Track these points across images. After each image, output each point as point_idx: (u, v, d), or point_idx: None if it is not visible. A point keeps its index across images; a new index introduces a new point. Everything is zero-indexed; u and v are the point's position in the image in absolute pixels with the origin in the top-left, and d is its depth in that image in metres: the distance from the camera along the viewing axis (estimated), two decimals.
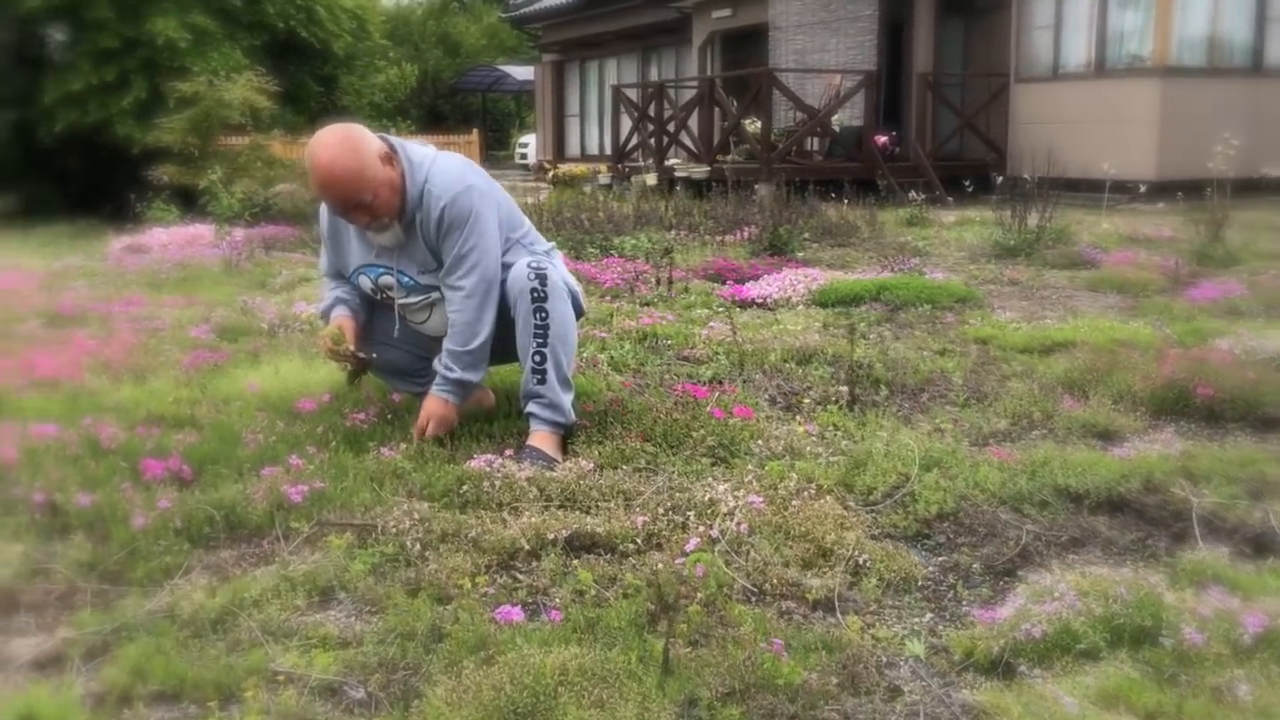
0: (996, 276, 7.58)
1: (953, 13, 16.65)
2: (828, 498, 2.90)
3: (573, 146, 26.13)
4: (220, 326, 5.21)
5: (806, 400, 4.07)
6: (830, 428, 3.63)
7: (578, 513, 2.78)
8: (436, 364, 3.34)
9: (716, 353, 4.72)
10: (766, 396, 4.11)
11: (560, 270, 3.40)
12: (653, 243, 8.68)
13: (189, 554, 2.60)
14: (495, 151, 31.96)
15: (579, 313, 3.48)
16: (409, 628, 2.17)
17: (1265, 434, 3.60)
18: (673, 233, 9.57)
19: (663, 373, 4.43)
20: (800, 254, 8.74)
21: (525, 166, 30.33)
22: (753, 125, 15.55)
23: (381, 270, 3.47)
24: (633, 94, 19.08)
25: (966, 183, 12.84)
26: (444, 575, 2.42)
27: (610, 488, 2.93)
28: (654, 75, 23.09)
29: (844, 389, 4.09)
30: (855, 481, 3.06)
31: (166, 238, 9.29)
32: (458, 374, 3.30)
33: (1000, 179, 14.15)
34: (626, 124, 18.53)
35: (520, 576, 2.49)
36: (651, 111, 17.42)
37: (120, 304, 5.97)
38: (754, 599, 2.38)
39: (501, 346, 3.55)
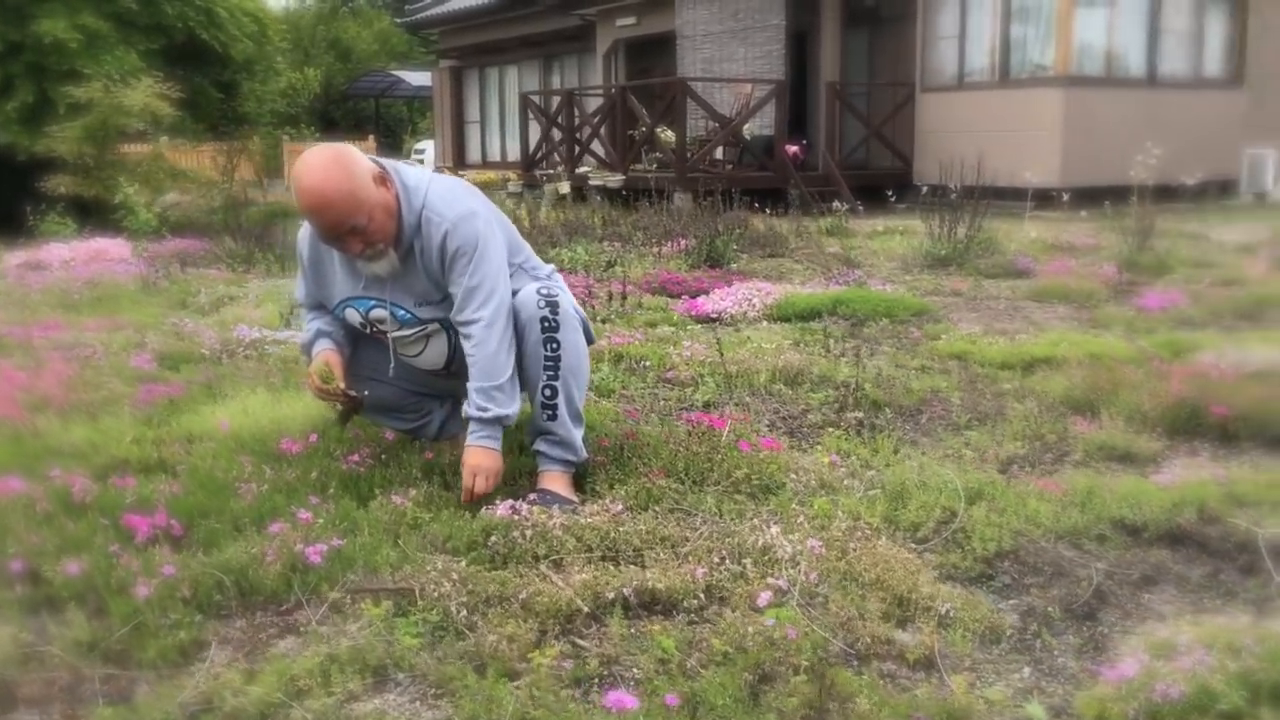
0: (938, 287, 7.55)
1: (857, 23, 16.78)
2: (883, 538, 2.73)
3: (473, 153, 25.73)
4: (159, 354, 4.83)
5: (807, 425, 3.91)
6: (846, 455, 3.47)
7: (626, 565, 2.56)
8: (467, 409, 3.00)
9: (701, 374, 4.53)
10: (766, 421, 3.93)
11: (569, 297, 3.16)
12: (590, 255, 8.46)
13: (201, 627, 2.31)
14: (388, 157, 31.31)
15: (589, 341, 3.25)
16: (491, 717, 1.92)
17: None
18: (604, 244, 9.36)
19: (650, 397, 4.23)
20: (735, 265, 8.63)
21: None
22: (664, 133, 15.43)
23: (373, 303, 3.19)
24: (540, 100, 18.84)
25: (890, 193, 12.90)
26: (504, 646, 2.17)
27: (650, 533, 2.71)
28: (556, 83, 22.87)
29: (855, 415, 3.94)
30: (899, 517, 2.90)
31: (68, 253, 8.75)
32: (494, 411, 2.96)
33: (924, 188, 14.23)
34: (536, 131, 18.27)
35: (585, 644, 2.26)
36: (562, 119, 17.18)
37: (38, 328, 5.53)
38: (851, 661, 2.19)
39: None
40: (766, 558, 2.58)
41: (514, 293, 3.12)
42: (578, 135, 17.02)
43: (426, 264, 3.06)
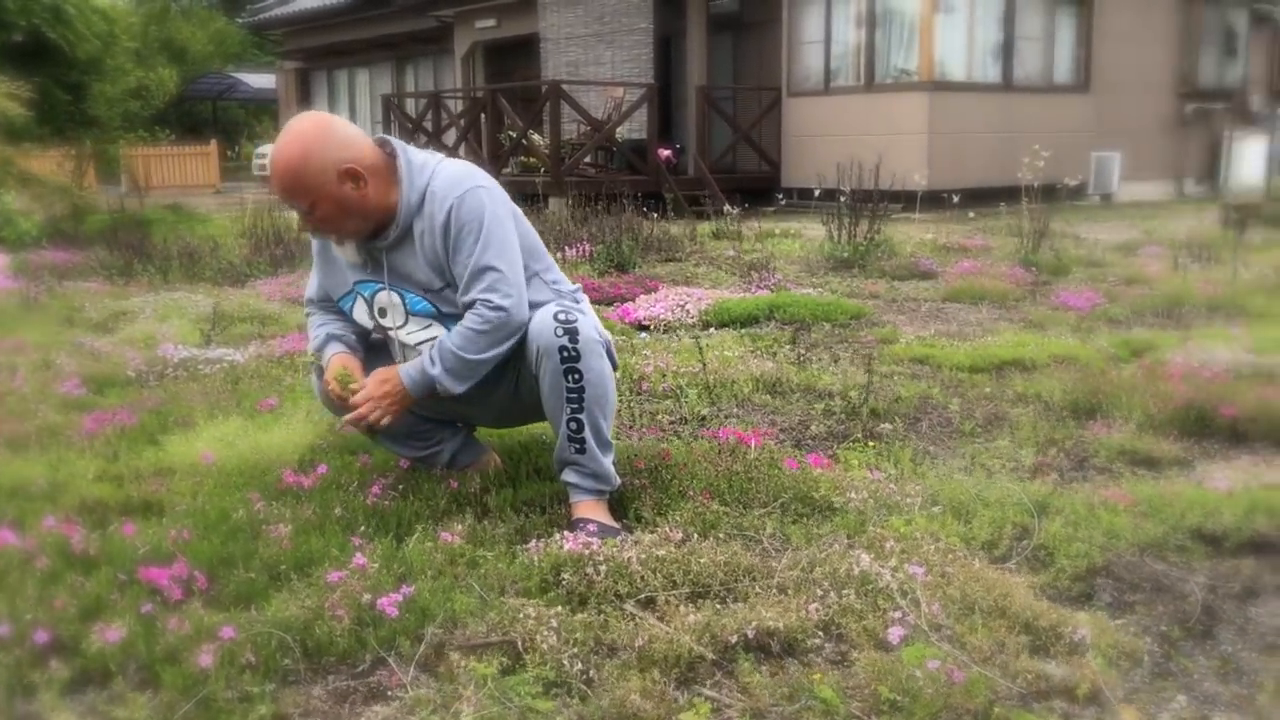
0: (854, 290, 7.53)
1: (722, 27, 16.84)
2: (976, 561, 2.59)
3: None
4: (83, 378, 4.37)
5: (811, 437, 3.77)
6: (875, 469, 3.33)
7: (726, 603, 2.35)
8: (425, 348, 2.83)
9: (680, 385, 4.33)
10: (772, 438, 3.77)
11: (591, 319, 2.90)
12: None
13: (277, 698, 2.00)
14: (227, 162, 30.02)
15: (613, 365, 3.00)
16: None
17: None
18: None
19: (640, 412, 4.02)
20: (639, 270, 8.47)
21: (265, 178, 28.64)
22: (535, 137, 15.17)
23: (379, 286, 2.91)
24: (399, 102, 18.31)
25: (779, 195, 12.94)
26: (646, 706, 1.94)
27: (730, 564, 2.51)
28: (411, 85, 22.31)
29: (857, 425, 3.81)
30: (973, 535, 2.76)
31: None
32: (438, 371, 2.76)
33: (795, 192, 14.35)
34: (396, 135, 17.72)
35: (724, 696, 2.04)
36: (427, 123, 16.73)
37: None
38: (1022, 701, 2.03)
39: (519, 406, 3.06)
40: (869, 588, 2.40)
41: (533, 307, 2.87)
42: (443, 139, 16.60)
43: (430, 245, 2.81)
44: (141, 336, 5.33)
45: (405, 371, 2.80)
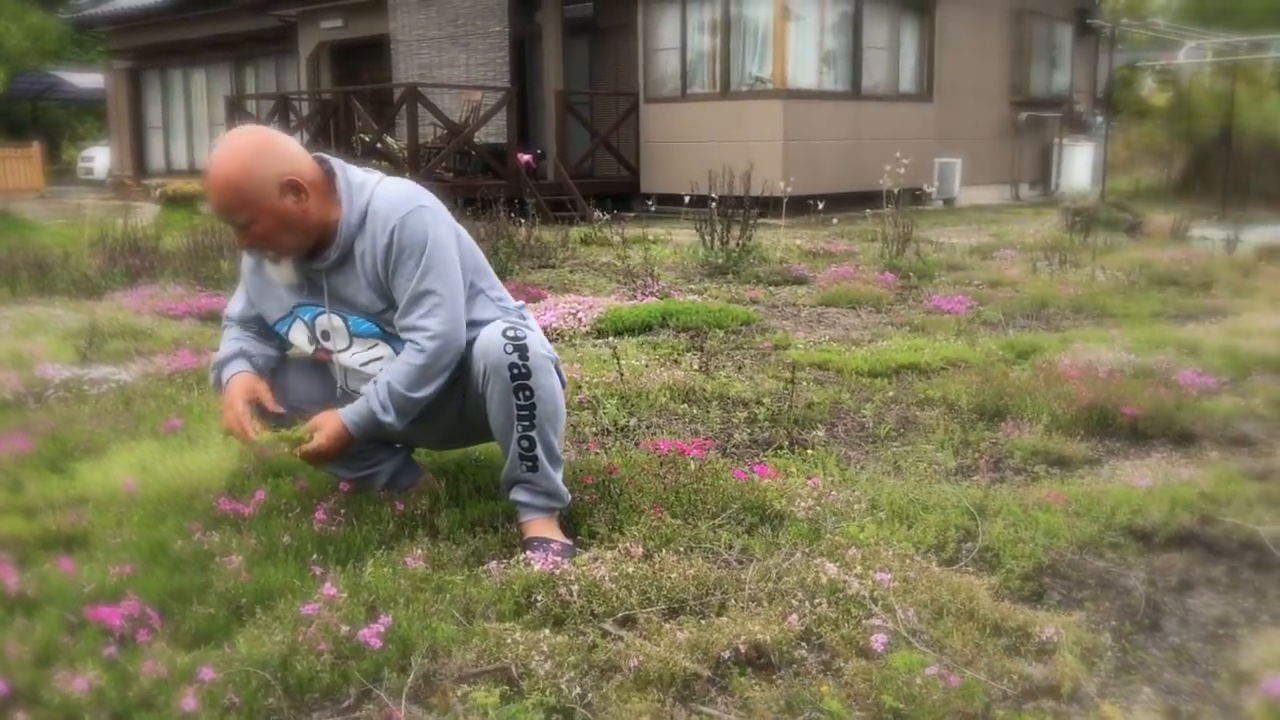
0: (736, 295, 7.62)
1: (578, 31, 16.84)
2: (930, 564, 2.65)
3: (156, 160, 23.91)
4: None
5: (735, 445, 3.80)
6: (814, 476, 3.38)
7: (703, 616, 2.35)
8: (366, 388, 2.75)
9: (596, 395, 4.31)
10: (703, 448, 3.78)
11: (539, 336, 2.87)
12: None
13: None
14: (53, 166, 28.53)
15: (561, 382, 2.96)
16: None
17: (1188, 448, 3.76)
18: None
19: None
20: (515, 277, 8.40)
21: (92, 182, 27.39)
22: (390, 140, 14.89)
23: (319, 309, 2.82)
24: (242, 104, 17.73)
25: (649, 201, 12.98)
26: None
27: (698, 578, 2.50)
28: (251, 87, 21.62)
29: (776, 432, 3.86)
30: (920, 539, 2.83)
31: None
32: (391, 418, 2.71)
33: (653, 198, 14.43)
34: None
35: (729, 712, 2.04)
36: (275, 126, 16.20)
37: None
38: (1016, 703, 2.08)
39: (464, 428, 3.00)
40: (839, 596, 2.43)
41: (478, 324, 2.82)
42: None
43: (371, 267, 2.74)
44: (7, 355, 5.02)
45: (350, 419, 2.71)
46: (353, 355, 2.83)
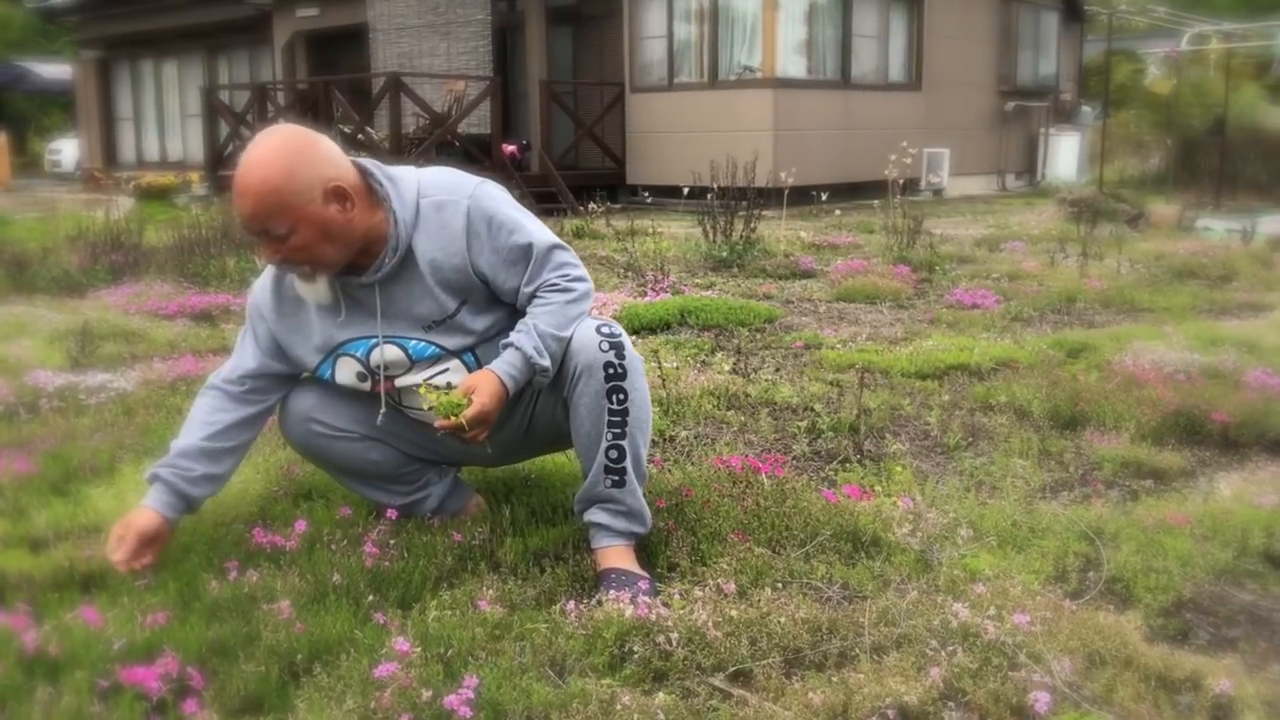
0: (748, 290, 7.33)
1: (561, 20, 16.49)
2: (1063, 600, 2.37)
3: (127, 153, 23.34)
4: None
5: (797, 457, 3.50)
6: (907, 496, 3.09)
7: (824, 671, 2.05)
8: (514, 337, 2.42)
9: None
10: (753, 453, 3.49)
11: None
12: None
13: None
14: (17, 158, 27.79)
15: None
16: None
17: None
18: None
19: None
20: None
21: (61, 175, 26.75)
22: (370, 131, 14.50)
23: (371, 341, 2.50)
24: (219, 94, 17.28)
25: (645, 194, 12.68)
26: None
27: (809, 623, 2.21)
28: (225, 78, 21.13)
29: (840, 442, 3.57)
30: (1037, 568, 2.55)
31: None
32: (541, 359, 2.40)
33: (640, 188, 14.14)
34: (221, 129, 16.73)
35: None
36: (253, 116, 15.80)
37: None
38: None
39: (530, 440, 2.71)
40: (976, 643, 2.14)
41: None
42: None
43: (440, 263, 2.43)
44: None
45: (504, 370, 2.39)
46: (414, 376, 2.52)
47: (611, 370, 2.45)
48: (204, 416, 2.54)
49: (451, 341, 2.51)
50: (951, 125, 17.38)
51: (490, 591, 2.29)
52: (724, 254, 8.68)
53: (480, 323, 2.52)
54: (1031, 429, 3.73)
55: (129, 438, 3.44)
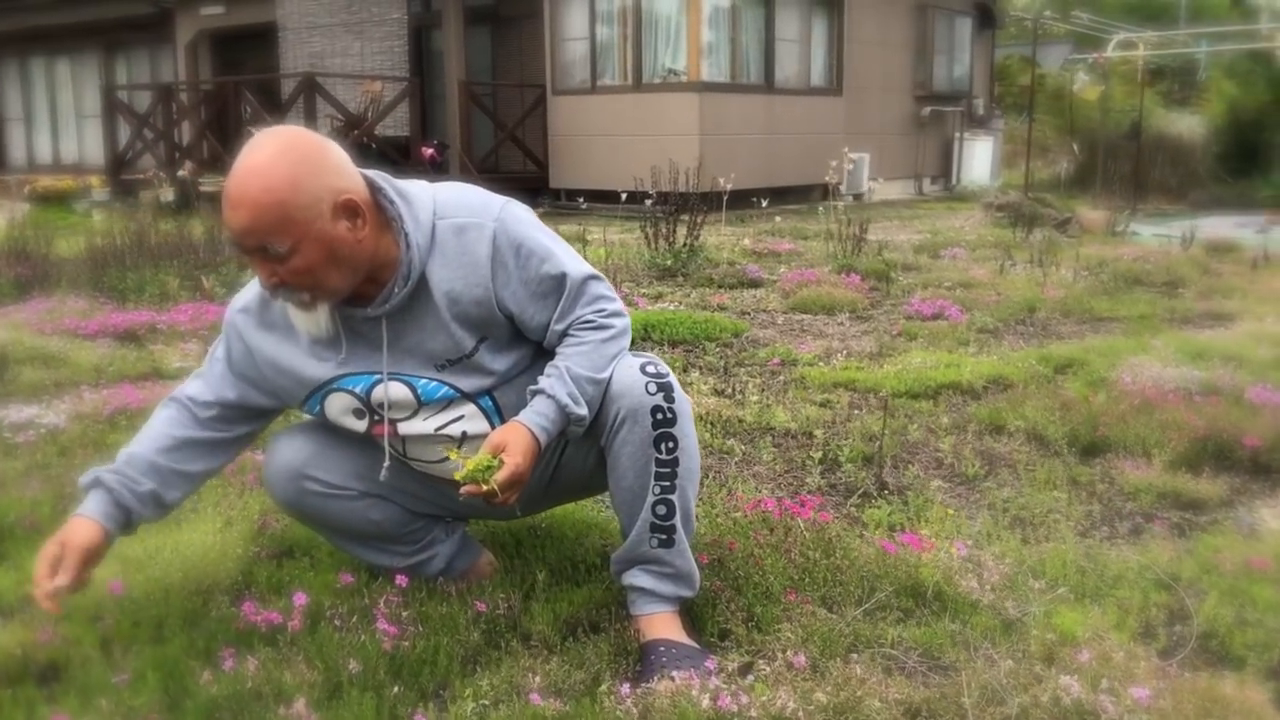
0: (701, 301, 7.07)
1: (479, 20, 16.07)
2: (1165, 664, 2.14)
3: (16, 156, 22.24)
4: None
5: (810, 490, 3.25)
6: (960, 540, 2.84)
7: None
8: (545, 383, 2.11)
9: None
10: (766, 489, 3.23)
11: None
12: None
13: None
14: None
15: None
16: None
17: None
18: None
19: None
20: None
21: None
22: None
23: (374, 377, 2.17)
24: (126, 95, 16.50)
25: (580, 198, 12.34)
26: None
27: (905, 704, 1.94)
28: (124, 77, 20.25)
29: (854, 474, 3.32)
30: (1119, 621, 2.32)
31: None
32: (577, 408, 2.10)
33: (563, 193, 13.83)
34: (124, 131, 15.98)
35: None
36: (158, 118, 15.10)
37: None
38: None
39: (553, 491, 2.42)
40: None
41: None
42: (175, 136, 15.05)
43: (458, 294, 2.11)
44: None
45: (535, 423, 2.08)
46: (423, 421, 2.19)
47: (660, 415, 2.15)
48: (162, 428, 2.20)
49: (467, 383, 2.19)
50: (871, 130, 17.39)
51: (536, 678, 1.98)
52: (668, 262, 8.41)
53: (501, 363, 2.21)
54: (1052, 456, 3.53)
55: (68, 485, 3.03)
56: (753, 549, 2.50)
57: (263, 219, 1.93)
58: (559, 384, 2.11)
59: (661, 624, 2.21)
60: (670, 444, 2.17)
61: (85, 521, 2.06)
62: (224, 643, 2.05)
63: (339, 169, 2.01)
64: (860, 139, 16.93)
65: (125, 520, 2.12)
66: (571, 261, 2.20)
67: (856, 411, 4.12)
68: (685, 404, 2.22)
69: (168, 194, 13.91)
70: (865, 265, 8.31)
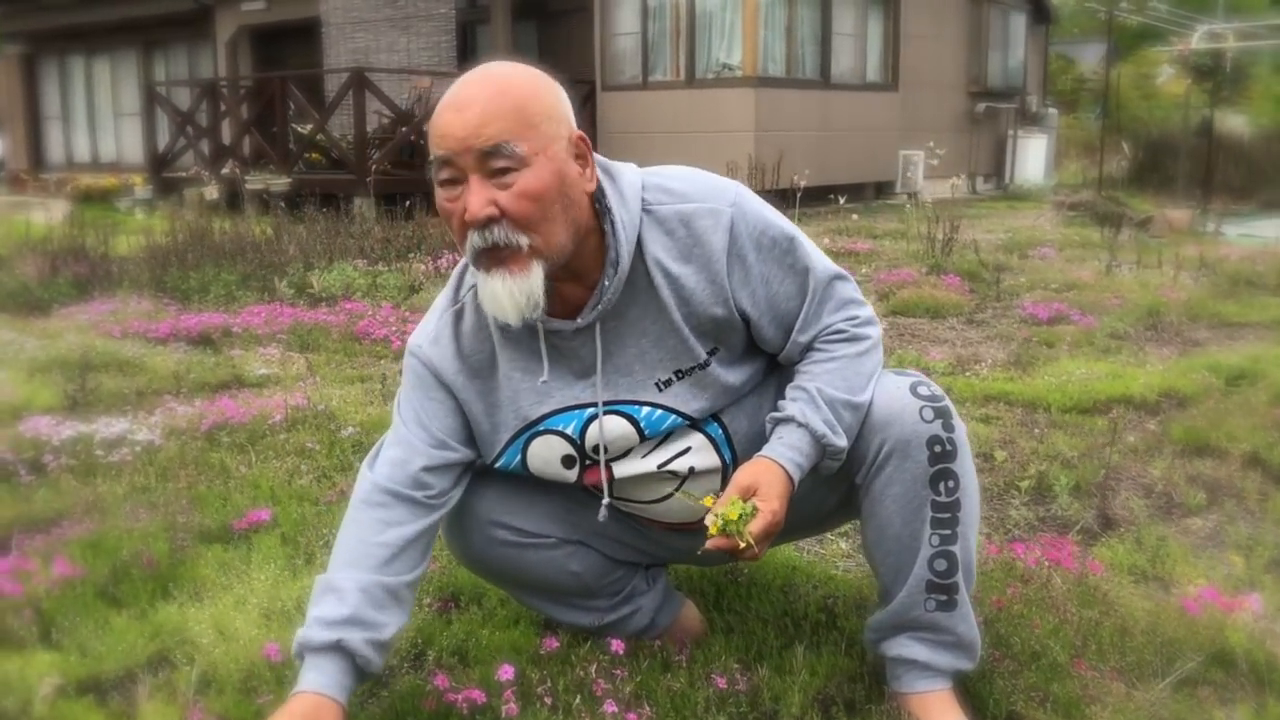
0: None
1: (527, 14, 15.72)
2: None
3: (55, 154, 22.02)
4: None
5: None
6: (1245, 590, 2.42)
7: None
8: (794, 409, 1.72)
9: None
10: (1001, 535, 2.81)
11: None
12: (361, 276, 6.81)
13: None
14: None
15: None
16: None
17: None
18: (360, 261, 7.64)
19: None
20: None
21: None
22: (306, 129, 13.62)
23: (589, 413, 1.76)
24: (166, 91, 16.21)
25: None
26: None
27: None
28: (162, 75, 19.97)
29: (1052, 509, 2.90)
30: None
31: None
32: (836, 438, 1.71)
33: None
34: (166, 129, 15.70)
35: None
36: (201, 115, 14.81)
37: None
38: None
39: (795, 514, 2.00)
40: None
41: None
42: (219, 134, 14.74)
43: (686, 289, 1.71)
44: None
45: (788, 458, 1.69)
46: (643, 459, 1.79)
47: (939, 448, 1.74)
48: (377, 536, 1.72)
49: (693, 404, 1.77)
50: (926, 126, 16.91)
51: None
52: None
53: (735, 376, 1.80)
54: (1272, 480, 3.10)
55: (179, 512, 2.64)
56: (1012, 605, 2.09)
57: (501, 114, 1.56)
58: (811, 410, 1.71)
59: (938, 706, 1.79)
60: (951, 483, 1.75)
61: (323, 703, 1.59)
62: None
63: (569, 106, 1.65)
64: (914, 135, 16.48)
65: (360, 682, 1.68)
66: (816, 256, 1.80)
67: (1028, 429, 3.70)
68: (964, 432, 1.80)
69: (213, 192, 13.58)
70: (958, 265, 7.89)
